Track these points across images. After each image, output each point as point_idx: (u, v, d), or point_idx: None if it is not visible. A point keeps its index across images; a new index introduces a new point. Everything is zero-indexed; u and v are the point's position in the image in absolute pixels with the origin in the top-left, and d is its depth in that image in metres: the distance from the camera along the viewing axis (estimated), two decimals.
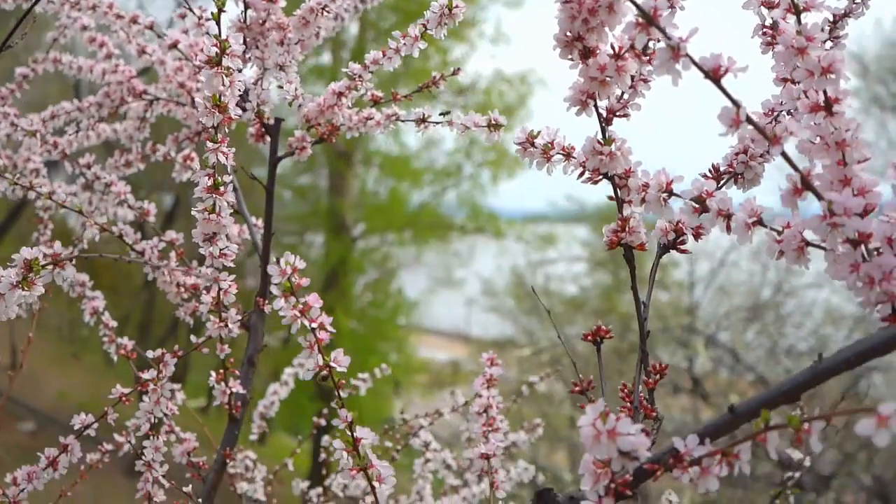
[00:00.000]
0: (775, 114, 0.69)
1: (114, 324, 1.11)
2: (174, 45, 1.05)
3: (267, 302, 0.97)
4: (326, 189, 11.75)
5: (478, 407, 0.98)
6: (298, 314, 0.63)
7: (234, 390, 0.98)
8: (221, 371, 0.97)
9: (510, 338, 9.71)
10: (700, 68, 0.51)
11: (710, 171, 0.70)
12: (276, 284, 0.62)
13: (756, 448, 0.51)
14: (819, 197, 0.52)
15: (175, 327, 9.39)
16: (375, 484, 0.66)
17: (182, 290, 1.03)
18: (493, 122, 0.87)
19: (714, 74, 0.51)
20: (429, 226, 11.77)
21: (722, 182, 0.70)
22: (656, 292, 9.28)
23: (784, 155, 0.52)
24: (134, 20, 1.11)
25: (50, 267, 0.67)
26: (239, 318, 0.92)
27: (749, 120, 0.51)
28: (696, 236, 0.68)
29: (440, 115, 0.94)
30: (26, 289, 0.67)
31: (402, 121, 0.98)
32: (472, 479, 1.44)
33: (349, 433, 0.66)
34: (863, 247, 0.53)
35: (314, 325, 0.64)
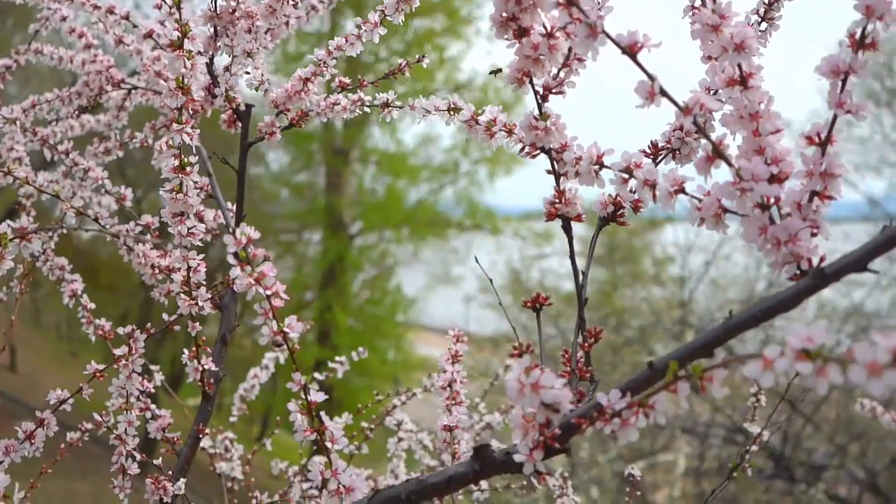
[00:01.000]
0: (711, 92, 0.72)
1: (92, 306, 1.14)
2: (149, 35, 1.08)
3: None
4: (324, 187, 11.79)
5: (442, 381, 1.02)
6: (254, 282, 0.67)
7: (206, 367, 1.01)
8: (194, 349, 1.01)
9: (506, 334, 9.77)
10: (617, 44, 0.55)
11: (648, 147, 0.73)
12: (231, 254, 0.66)
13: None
14: (730, 164, 0.56)
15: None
16: (328, 444, 0.69)
17: (156, 271, 1.07)
18: (452, 106, 0.90)
19: (631, 50, 0.55)
20: (426, 223, 11.82)
21: (660, 157, 0.73)
22: (652, 289, 9.32)
23: (696, 125, 0.56)
24: (110, 10, 1.14)
25: (17, 240, 0.71)
26: (209, 296, 0.96)
27: (663, 92, 0.55)
28: (636, 209, 0.72)
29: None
30: None
31: (368, 106, 1.02)
32: (448, 460, 1.47)
33: (304, 396, 0.70)
34: (775, 211, 0.57)
35: (269, 292, 0.67)
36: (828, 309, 7.41)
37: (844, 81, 0.56)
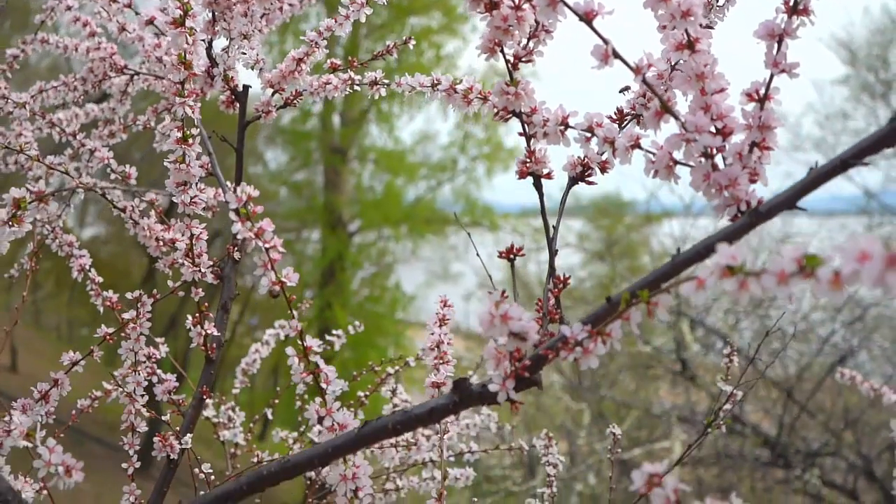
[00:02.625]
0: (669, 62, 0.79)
1: (100, 279, 1.21)
2: (150, 22, 1.15)
3: (237, 251, 1.07)
4: (322, 185, 11.86)
5: (430, 343, 1.08)
6: (253, 236, 0.73)
7: (209, 332, 1.08)
8: (197, 315, 1.07)
9: None
10: (574, 12, 0.61)
11: (614, 112, 0.80)
12: (233, 210, 0.72)
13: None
14: (676, 118, 0.62)
15: (173, 324, 9.51)
16: (323, 385, 0.76)
17: (161, 244, 1.13)
18: (436, 81, 0.96)
19: (587, 17, 0.61)
20: (425, 220, 11.90)
21: (625, 122, 0.79)
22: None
23: (646, 82, 0.62)
24: None
25: (35, 203, 0.77)
26: (210, 263, 1.02)
27: (615, 54, 0.61)
28: (602, 170, 0.78)
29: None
30: (15, 224, 0.77)
31: (358, 84, 1.08)
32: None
33: (300, 342, 0.76)
34: (720, 160, 0.63)
35: (268, 245, 0.73)
36: (823, 300, 7.49)
37: (780, 43, 0.62)
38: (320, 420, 0.74)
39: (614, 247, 10.61)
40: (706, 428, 1.18)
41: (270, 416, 1.49)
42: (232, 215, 0.73)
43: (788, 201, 0.58)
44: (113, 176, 1.19)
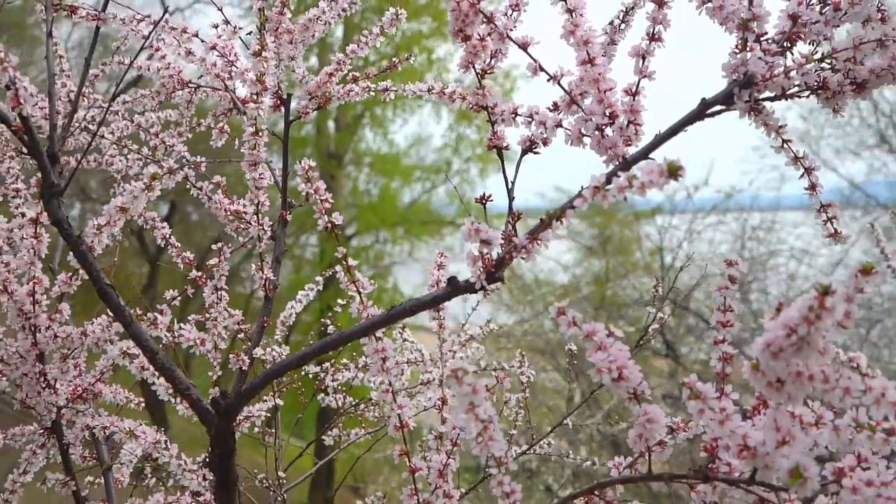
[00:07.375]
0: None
1: (178, 245, 1.59)
2: (213, 47, 1.53)
3: (289, 214, 1.45)
4: None
5: (431, 281, 1.46)
6: (313, 192, 1.12)
7: (268, 277, 1.46)
8: (259, 263, 1.46)
9: (503, 329, 10.21)
10: (516, 43, 1.00)
11: (552, 104, 1.18)
12: (299, 175, 1.11)
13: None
14: (579, 106, 1.01)
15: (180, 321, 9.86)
16: (361, 290, 1.14)
17: (227, 213, 1.51)
18: (431, 87, 1.35)
19: (524, 46, 1.00)
20: (420, 222, 12.26)
21: (558, 111, 1.18)
22: (640, 277, 9.76)
23: (560, 86, 1.01)
24: (184, 30, 1.59)
25: (167, 175, 1.15)
26: (271, 223, 1.40)
27: (541, 68, 1.00)
28: (545, 143, 1.17)
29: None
30: (149, 191, 1.15)
31: (374, 91, 1.47)
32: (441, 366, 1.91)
33: (345, 263, 1.14)
34: (608, 131, 1.02)
35: (322, 197, 1.12)
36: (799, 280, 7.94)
37: (644, 59, 1.01)
38: (360, 311, 1.12)
39: (608, 243, 10.99)
40: (638, 342, 1.56)
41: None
42: (298, 178, 1.11)
43: (643, 155, 0.96)
44: (187, 165, 1.57)
